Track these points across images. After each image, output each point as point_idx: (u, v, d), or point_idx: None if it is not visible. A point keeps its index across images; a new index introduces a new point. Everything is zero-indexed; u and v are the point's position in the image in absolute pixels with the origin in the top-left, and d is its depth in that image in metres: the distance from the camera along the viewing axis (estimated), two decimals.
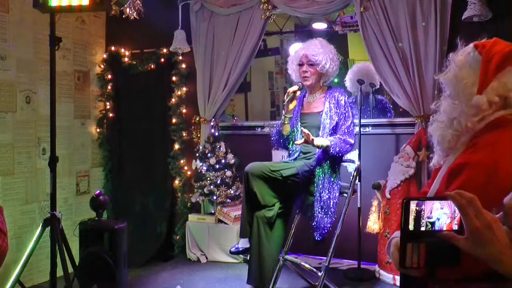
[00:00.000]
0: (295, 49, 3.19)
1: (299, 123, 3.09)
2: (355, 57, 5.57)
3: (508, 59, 1.30)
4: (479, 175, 1.19)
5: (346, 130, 2.95)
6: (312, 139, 2.82)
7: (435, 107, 1.44)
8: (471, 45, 1.39)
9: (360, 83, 3.62)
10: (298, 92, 3.03)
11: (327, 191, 2.89)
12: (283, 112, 3.09)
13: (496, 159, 1.19)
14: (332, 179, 2.93)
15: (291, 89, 3.01)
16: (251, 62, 4.20)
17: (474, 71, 1.34)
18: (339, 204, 2.98)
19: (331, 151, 2.87)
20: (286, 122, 3.08)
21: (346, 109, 2.99)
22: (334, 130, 2.97)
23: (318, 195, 2.89)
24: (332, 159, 2.94)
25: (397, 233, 1.46)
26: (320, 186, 2.89)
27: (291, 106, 3.04)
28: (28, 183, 3.62)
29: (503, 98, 1.29)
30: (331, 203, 2.90)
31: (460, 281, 1.17)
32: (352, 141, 2.95)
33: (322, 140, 2.87)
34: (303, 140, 2.85)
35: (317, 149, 2.94)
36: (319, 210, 2.88)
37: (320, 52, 3.04)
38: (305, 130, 2.83)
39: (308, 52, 3.05)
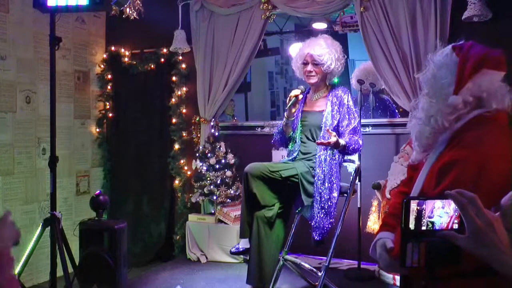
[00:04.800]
0: (296, 48, 3.14)
1: (300, 122, 3.07)
2: (355, 57, 5.57)
3: (483, 62, 1.37)
4: (468, 171, 1.22)
5: (354, 130, 2.91)
6: (334, 142, 2.73)
7: (414, 105, 1.51)
8: (449, 46, 1.46)
9: (360, 83, 3.62)
10: (300, 96, 2.98)
11: (327, 192, 2.88)
12: (285, 114, 3.06)
13: (484, 156, 1.23)
14: (332, 179, 2.92)
15: (293, 93, 2.96)
16: (251, 62, 4.19)
17: (451, 72, 1.40)
18: (339, 204, 2.97)
19: (349, 148, 2.83)
20: (288, 124, 3.07)
21: (350, 108, 2.95)
22: (335, 130, 2.93)
23: (318, 195, 2.88)
24: (331, 160, 2.93)
25: (382, 234, 1.47)
26: (320, 187, 2.88)
27: (294, 110, 3.01)
28: (28, 183, 3.61)
29: (477, 98, 1.35)
30: (331, 204, 2.89)
31: (456, 276, 1.18)
32: (361, 141, 2.91)
33: (340, 140, 2.82)
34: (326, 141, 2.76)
35: (317, 149, 2.93)
36: (319, 210, 2.87)
37: (325, 52, 2.98)
38: (332, 135, 2.75)
39: (313, 52, 2.99)
